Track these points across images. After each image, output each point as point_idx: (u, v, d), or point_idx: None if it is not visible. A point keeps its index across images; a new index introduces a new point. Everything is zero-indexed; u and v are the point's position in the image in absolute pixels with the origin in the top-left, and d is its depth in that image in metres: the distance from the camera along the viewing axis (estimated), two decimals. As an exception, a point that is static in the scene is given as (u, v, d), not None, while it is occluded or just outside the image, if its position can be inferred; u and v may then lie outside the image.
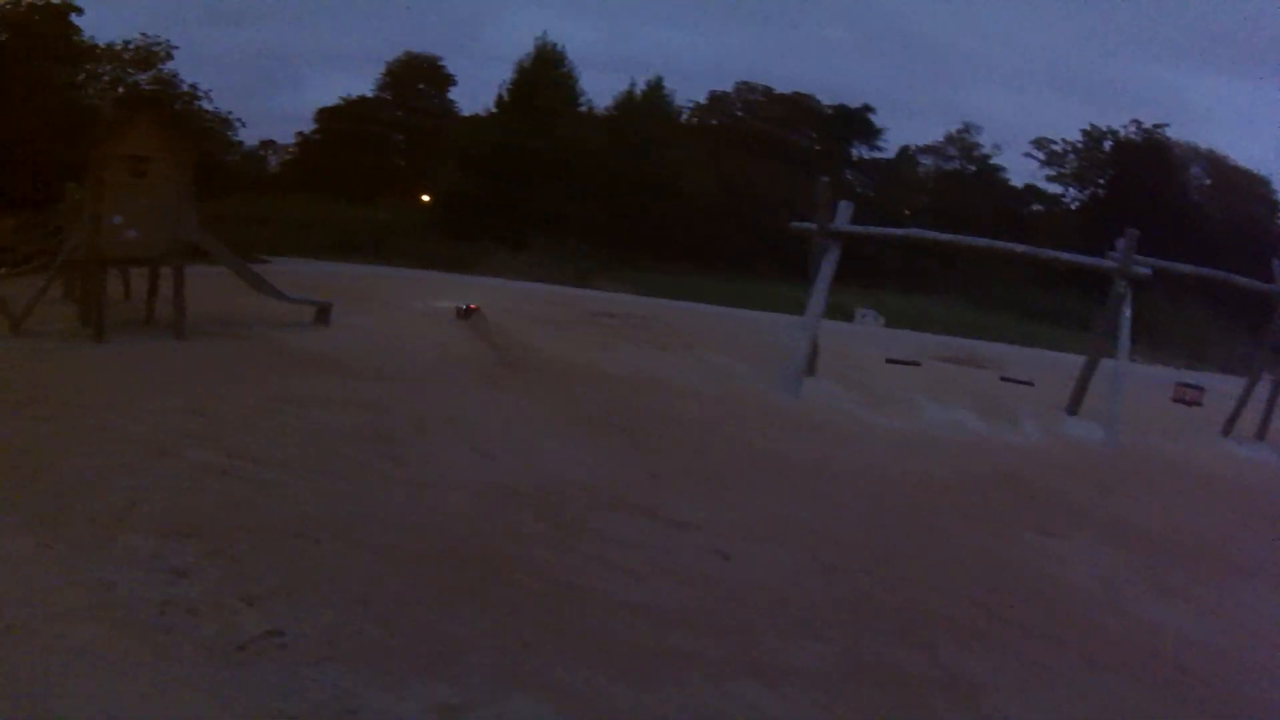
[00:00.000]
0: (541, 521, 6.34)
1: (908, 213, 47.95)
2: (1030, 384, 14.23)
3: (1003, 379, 14.61)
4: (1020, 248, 14.17)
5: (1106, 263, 13.37)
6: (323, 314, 15.99)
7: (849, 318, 30.75)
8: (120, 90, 28.68)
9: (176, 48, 32.86)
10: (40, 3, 28.15)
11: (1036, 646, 5.10)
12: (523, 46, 49.59)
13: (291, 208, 40.95)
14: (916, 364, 15.25)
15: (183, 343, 12.36)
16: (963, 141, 56.87)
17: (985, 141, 56.30)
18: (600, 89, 70.98)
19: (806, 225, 14.27)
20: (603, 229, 43.32)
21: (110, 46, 31.49)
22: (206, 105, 34.26)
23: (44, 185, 18.72)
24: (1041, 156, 54.58)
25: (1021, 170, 55.53)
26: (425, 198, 48.34)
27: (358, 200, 45.32)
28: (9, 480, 6.09)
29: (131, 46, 31.91)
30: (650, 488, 7.48)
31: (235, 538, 5.46)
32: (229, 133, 36.54)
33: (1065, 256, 14.20)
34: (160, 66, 32.44)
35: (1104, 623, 5.69)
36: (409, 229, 42.26)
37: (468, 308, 18.24)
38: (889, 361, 14.94)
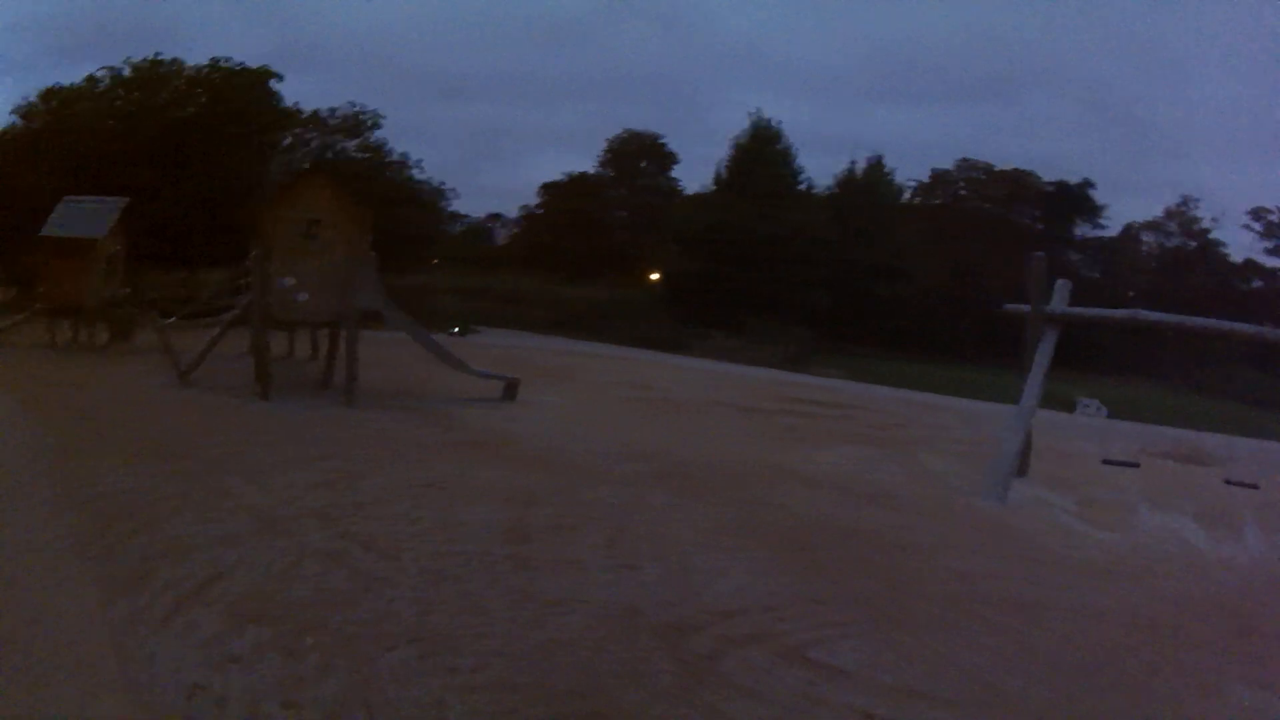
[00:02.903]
0: (663, 657, 5.84)
1: (1131, 294, 48.01)
2: (1256, 487, 13.11)
3: (1226, 481, 13.89)
4: (1246, 328, 13.69)
5: None
6: (510, 390, 16.59)
7: (1070, 408, 29.19)
8: (329, 155, 31.70)
9: (384, 117, 36.01)
10: (238, 69, 31.81)
11: None
12: (743, 124, 51.55)
13: (511, 281, 43.63)
14: (1135, 465, 14.63)
15: (351, 410, 13.05)
16: (1182, 215, 58.09)
17: (1204, 214, 57.02)
18: (819, 168, 73.73)
19: (1020, 307, 14.01)
20: (823, 312, 44.10)
21: (316, 114, 35.04)
22: (418, 174, 36.83)
23: (244, 245, 20.86)
24: (1259, 228, 54.76)
25: (1239, 243, 56.95)
26: (654, 276, 50.10)
27: (579, 277, 47.67)
28: (109, 532, 6.55)
29: (338, 115, 35.30)
30: (807, 618, 6.77)
31: (307, 632, 5.42)
32: (441, 203, 39.18)
33: None
34: (368, 135, 35.53)
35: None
36: (629, 308, 43.87)
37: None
38: (1105, 463, 14.11)
